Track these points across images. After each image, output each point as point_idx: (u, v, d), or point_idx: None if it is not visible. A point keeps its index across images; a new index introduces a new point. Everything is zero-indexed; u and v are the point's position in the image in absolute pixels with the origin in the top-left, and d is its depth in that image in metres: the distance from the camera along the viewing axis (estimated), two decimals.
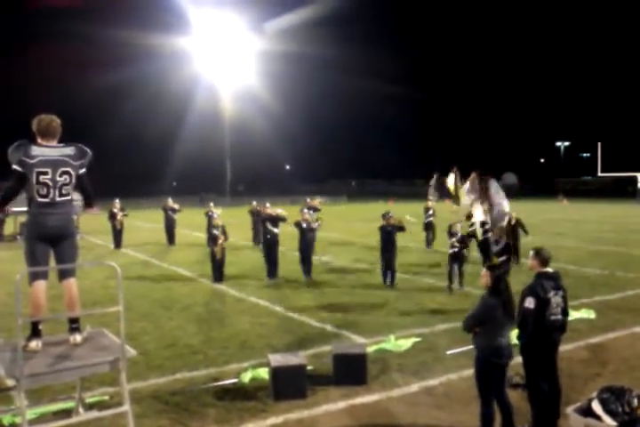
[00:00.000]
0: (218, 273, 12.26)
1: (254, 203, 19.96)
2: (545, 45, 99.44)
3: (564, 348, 5.28)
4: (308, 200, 18.22)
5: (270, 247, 12.52)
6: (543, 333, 4.85)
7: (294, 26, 57.74)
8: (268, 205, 14.07)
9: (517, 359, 5.06)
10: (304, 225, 12.54)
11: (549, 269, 5.05)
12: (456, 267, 11.06)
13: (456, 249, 11.05)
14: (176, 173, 71.37)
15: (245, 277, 12.82)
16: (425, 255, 16.19)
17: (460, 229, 11.24)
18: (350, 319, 8.80)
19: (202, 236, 19.71)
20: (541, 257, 5.05)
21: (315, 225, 13.02)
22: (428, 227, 17.81)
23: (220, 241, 12.13)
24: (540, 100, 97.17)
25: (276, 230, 12.52)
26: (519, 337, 4.99)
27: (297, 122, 78.99)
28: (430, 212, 17.74)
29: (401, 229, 11.77)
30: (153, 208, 37.02)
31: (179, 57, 55.01)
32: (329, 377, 6.17)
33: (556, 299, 4.89)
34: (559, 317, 4.94)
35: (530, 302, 4.80)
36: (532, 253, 5.16)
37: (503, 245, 10.12)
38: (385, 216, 11.71)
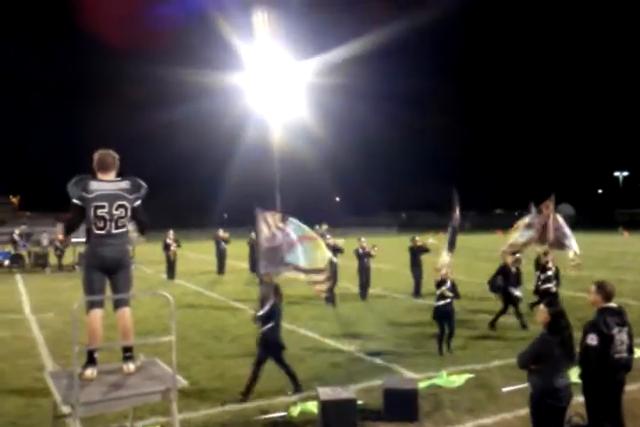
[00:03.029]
0: None
1: (253, 234, 20.43)
2: (604, 74, 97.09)
3: (628, 388, 4.98)
4: (317, 227, 18.16)
5: None
6: (607, 371, 4.59)
7: (343, 59, 58.64)
8: (328, 236, 14.59)
9: (578, 398, 4.81)
10: (360, 251, 14.08)
11: (613, 305, 4.78)
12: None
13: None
14: (227, 205, 72.67)
15: (294, 305, 12.75)
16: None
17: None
18: (401, 352, 8.61)
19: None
20: (604, 291, 4.78)
21: (372, 252, 14.12)
22: None
23: None
24: (597, 129, 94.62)
25: (334, 260, 13.06)
26: (581, 376, 4.74)
27: (347, 154, 79.35)
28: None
29: (425, 250, 14.12)
30: (204, 239, 37.64)
31: (231, 92, 56.64)
32: (379, 413, 6.03)
33: (620, 336, 4.63)
34: (624, 355, 4.67)
35: (592, 339, 4.56)
36: (594, 287, 4.85)
37: (268, 308, 7.39)
38: (412, 239, 14.58)
